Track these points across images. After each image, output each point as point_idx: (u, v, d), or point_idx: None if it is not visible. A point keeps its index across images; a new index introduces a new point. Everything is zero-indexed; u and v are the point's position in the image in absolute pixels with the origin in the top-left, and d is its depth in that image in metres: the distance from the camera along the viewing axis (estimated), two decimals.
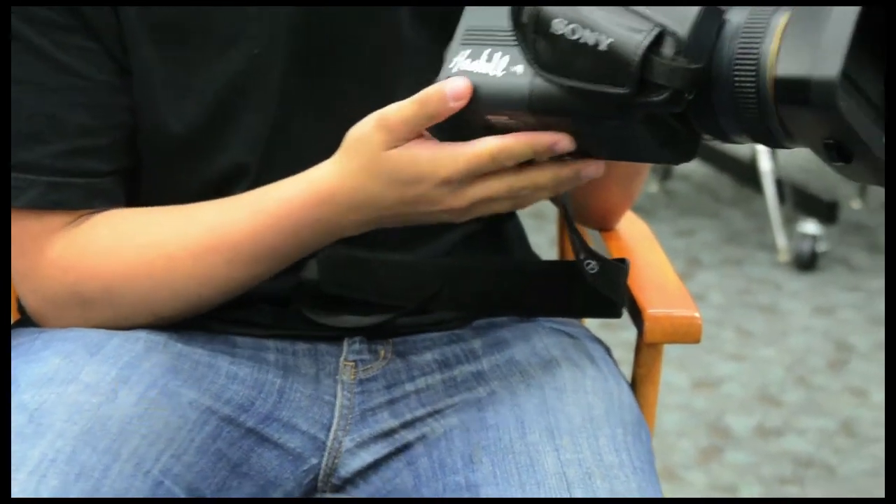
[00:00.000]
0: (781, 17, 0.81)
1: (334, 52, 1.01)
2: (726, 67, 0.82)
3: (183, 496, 0.93)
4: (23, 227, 1.00)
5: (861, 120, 0.78)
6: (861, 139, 0.78)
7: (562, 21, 0.82)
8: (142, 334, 1.01)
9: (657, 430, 1.06)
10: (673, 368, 2.58)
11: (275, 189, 0.97)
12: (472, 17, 0.91)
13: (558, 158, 0.89)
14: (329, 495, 1.04)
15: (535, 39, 0.84)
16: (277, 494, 1.02)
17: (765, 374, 2.62)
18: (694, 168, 3.68)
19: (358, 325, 1.05)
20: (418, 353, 1.07)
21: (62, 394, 0.93)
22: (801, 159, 3.44)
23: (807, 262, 3.11)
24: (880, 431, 2.40)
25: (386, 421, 1.04)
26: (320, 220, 0.96)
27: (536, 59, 0.84)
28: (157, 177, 1.04)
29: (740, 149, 3.46)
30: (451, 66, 0.89)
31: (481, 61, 0.88)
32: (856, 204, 3.55)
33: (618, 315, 1.05)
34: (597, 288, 0.99)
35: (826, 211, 3.33)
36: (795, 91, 0.78)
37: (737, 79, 0.81)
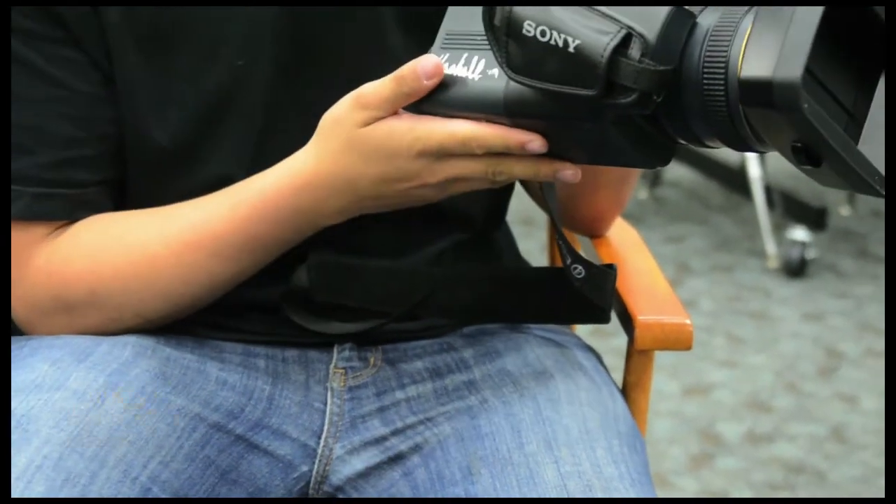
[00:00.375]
0: (751, 19, 0.80)
1: (319, 61, 1.01)
2: (696, 70, 0.81)
3: None
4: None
5: (828, 123, 0.77)
6: (828, 142, 0.77)
7: (531, 23, 0.82)
8: (130, 339, 1.01)
9: (648, 437, 1.06)
10: (664, 375, 2.58)
11: (254, 180, 0.97)
12: (451, 20, 0.92)
13: (537, 158, 0.89)
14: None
15: (506, 42, 0.84)
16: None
17: (755, 381, 2.62)
18: (683, 175, 3.69)
19: (347, 332, 1.05)
20: (408, 361, 1.07)
21: (49, 400, 0.93)
22: (791, 166, 3.45)
23: (796, 269, 3.11)
24: (870, 438, 2.40)
25: (377, 428, 1.03)
26: (300, 207, 0.96)
27: (508, 62, 0.84)
28: (143, 187, 1.03)
29: (729, 155, 3.46)
30: None
31: (459, 65, 0.89)
32: (845, 210, 3.56)
33: (606, 320, 1.05)
34: (584, 293, 0.99)
35: (815, 217, 3.33)
36: (759, 93, 0.78)
37: (706, 82, 0.81)
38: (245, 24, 0.99)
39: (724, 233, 3.40)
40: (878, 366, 2.70)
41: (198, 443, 0.98)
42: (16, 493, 0.85)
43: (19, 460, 0.88)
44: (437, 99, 0.89)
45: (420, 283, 1.05)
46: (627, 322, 1.11)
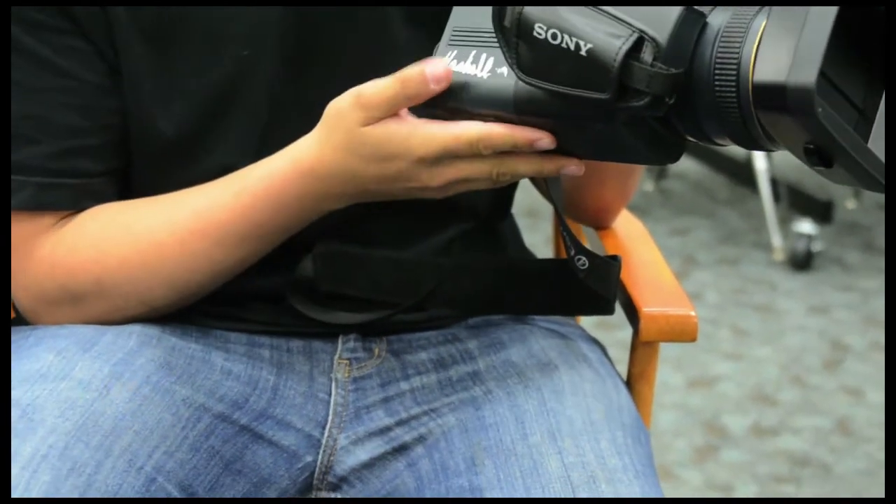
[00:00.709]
0: (763, 20, 0.80)
1: (324, 53, 1.00)
2: (707, 72, 0.81)
3: (175, 493, 0.93)
4: (13, 228, 1.00)
5: (840, 126, 0.77)
6: (840, 144, 0.77)
7: (542, 25, 0.82)
8: (135, 329, 1.01)
9: (653, 429, 1.06)
10: (669, 367, 2.58)
11: (257, 167, 0.97)
12: (459, 17, 0.91)
13: (542, 153, 0.89)
14: (325, 495, 1.03)
15: (517, 43, 0.83)
16: (272, 492, 1.02)
17: (760, 374, 2.62)
18: (689, 167, 3.68)
19: (352, 322, 1.05)
20: (413, 352, 1.07)
21: (55, 390, 0.93)
22: (797, 159, 3.44)
23: (802, 262, 3.11)
24: (875, 431, 2.40)
25: (381, 419, 1.03)
26: (304, 193, 0.95)
27: (518, 63, 0.84)
28: (148, 178, 1.03)
29: (735, 148, 3.44)
30: None
31: (468, 62, 0.88)
32: (851, 203, 3.55)
33: (610, 312, 1.05)
34: (588, 284, 0.99)
35: (821, 210, 3.33)
36: (773, 97, 0.77)
37: (717, 84, 0.81)
38: (249, 25, 0.99)
39: (729, 225, 3.39)
40: (884, 359, 2.69)
41: (202, 433, 0.98)
42: (21, 482, 0.86)
43: (25, 449, 0.88)
44: (445, 96, 0.88)
45: (425, 274, 1.05)
46: (632, 314, 1.11)
